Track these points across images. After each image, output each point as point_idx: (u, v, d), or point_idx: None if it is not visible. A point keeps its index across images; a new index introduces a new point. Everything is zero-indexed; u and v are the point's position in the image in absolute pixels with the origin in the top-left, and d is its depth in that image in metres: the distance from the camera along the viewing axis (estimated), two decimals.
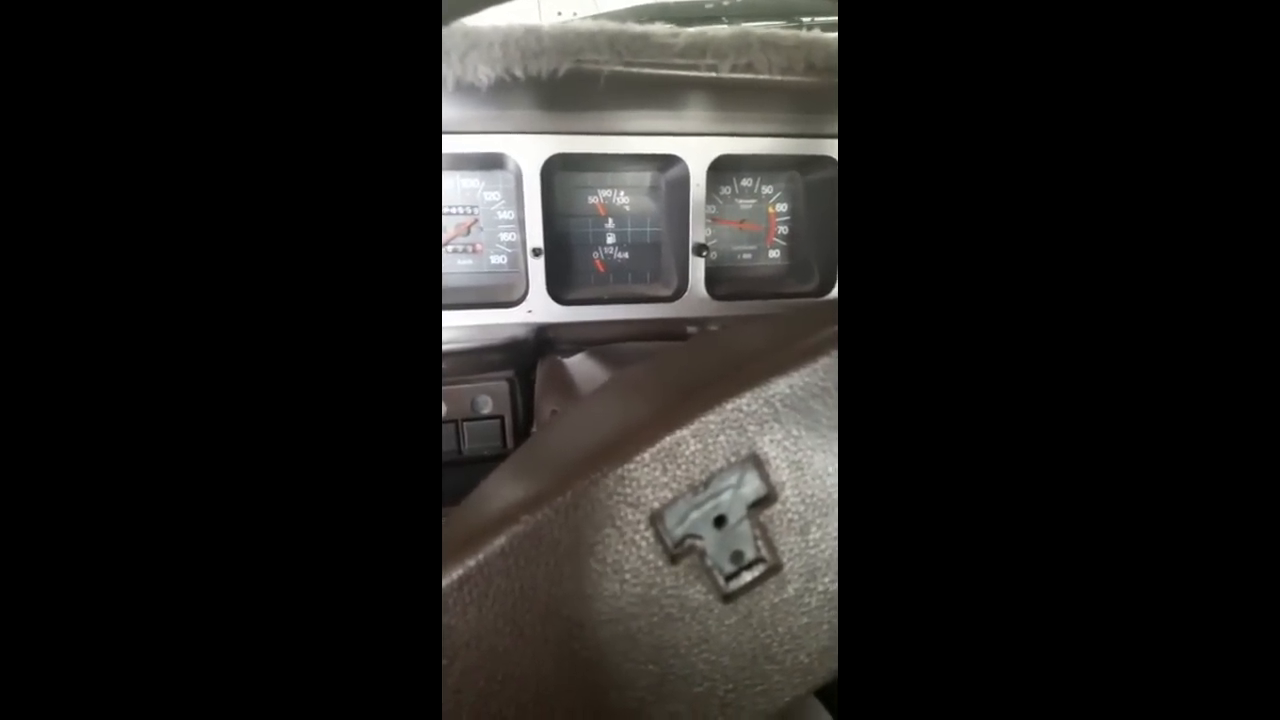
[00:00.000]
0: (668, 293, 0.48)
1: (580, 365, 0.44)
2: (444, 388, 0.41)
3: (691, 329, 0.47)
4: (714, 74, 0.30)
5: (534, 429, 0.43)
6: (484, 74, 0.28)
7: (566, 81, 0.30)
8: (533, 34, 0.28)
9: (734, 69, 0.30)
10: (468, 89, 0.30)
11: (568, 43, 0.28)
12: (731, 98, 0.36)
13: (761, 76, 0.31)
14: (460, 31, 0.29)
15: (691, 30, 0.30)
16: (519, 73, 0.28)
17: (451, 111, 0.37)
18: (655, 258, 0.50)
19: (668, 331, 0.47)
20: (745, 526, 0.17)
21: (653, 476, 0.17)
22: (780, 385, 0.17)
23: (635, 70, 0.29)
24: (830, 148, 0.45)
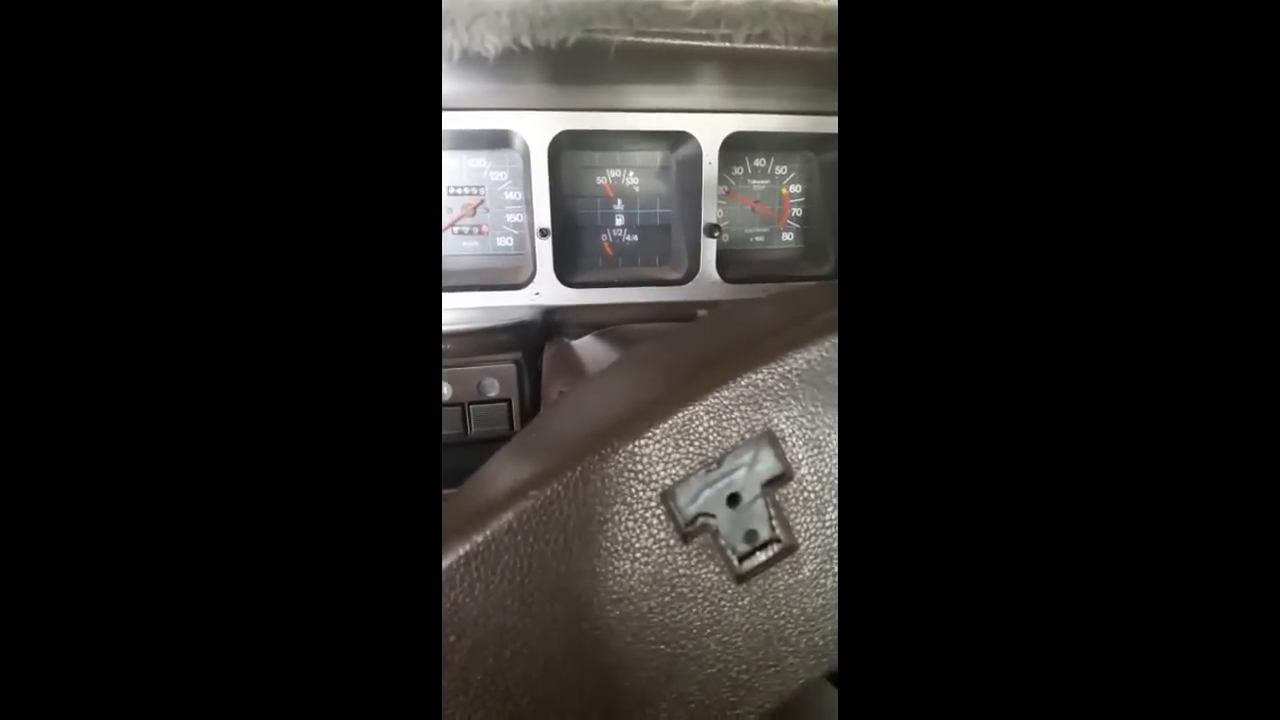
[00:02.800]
0: (678, 276, 0.47)
1: (588, 347, 0.43)
2: (450, 370, 0.41)
3: (702, 313, 0.47)
4: (728, 44, 0.29)
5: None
6: (491, 43, 0.27)
7: (576, 52, 0.29)
8: (541, 2, 0.27)
9: (749, 39, 0.29)
10: (474, 60, 0.29)
11: (577, 11, 0.27)
12: (745, 70, 0.35)
13: (777, 47, 0.30)
14: (466, 0, 0.28)
15: None
16: (527, 42, 0.27)
17: (457, 86, 0.36)
18: (665, 240, 0.50)
19: (678, 315, 0.46)
20: (760, 505, 0.16)
21: (664, 453, 0.17)
22: (798, 360, 0.17)
23: (647, 40, 0.28)
24: None
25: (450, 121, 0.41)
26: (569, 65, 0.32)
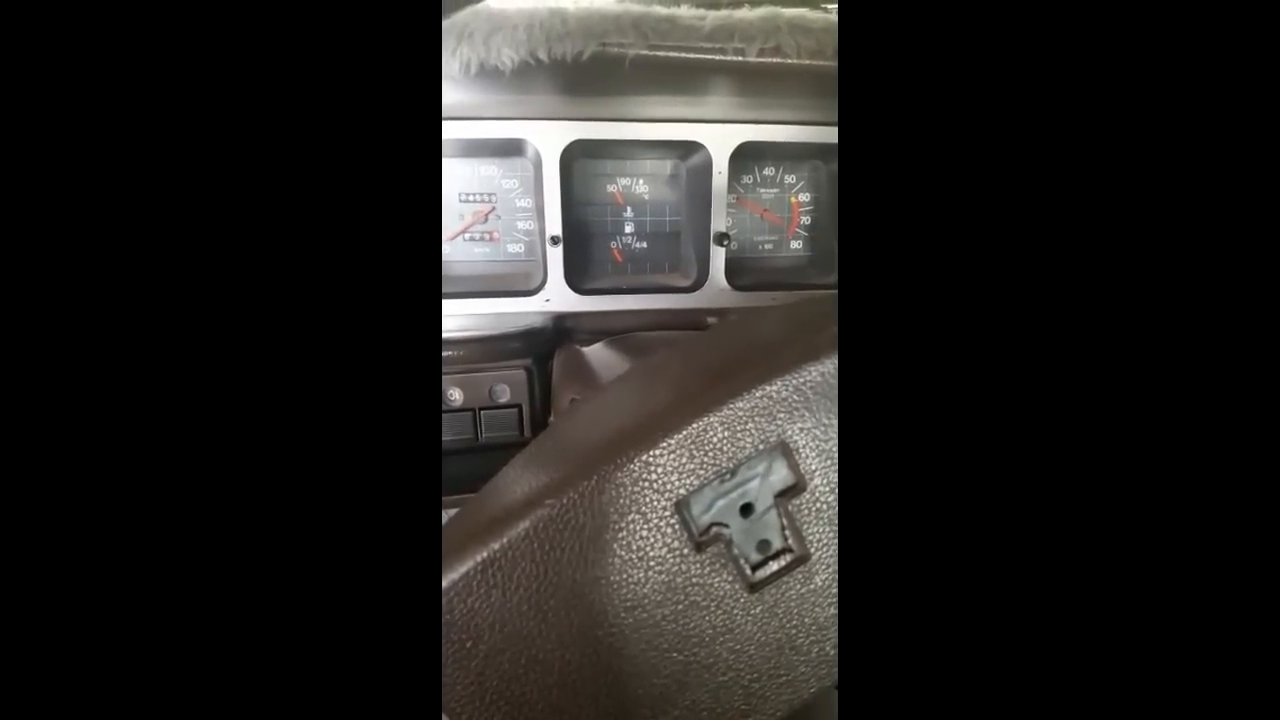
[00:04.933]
0: (687, 283, 0.47)
1: (599, 354, 0.44)
2: (461, 375, 0.41)
3: (712, 320, 0.47)
4: (741, 58, 0.29)
5: (551, 418, 0.42)
6: (508, 57, 0.28)
7: (590, 65, 0.30)
8: (557, 16, 0.28)
9: (761, 52, 0.29)
10: (491, 73, 0.29)
11: (592, 25, 0.28)
12: (757, 82, 0.35)
13: (789, 61, 0.30)
14: (484, 14, 0.29)
15: (719, 13, 0.29)
16: (543, 55, 0.28)
17: (471, 96, 0.36)
18: (674, 248, 0.50)
19: (687, 322, 0.46)
20: (772, 515, 0.17)
21: (679, 463, 0.17)
22: (811, 372, 0.17)
23: (661, 54, 0.29)
24: None
25: (463, 130, 0.41)
26: (583, 77, 0.33)
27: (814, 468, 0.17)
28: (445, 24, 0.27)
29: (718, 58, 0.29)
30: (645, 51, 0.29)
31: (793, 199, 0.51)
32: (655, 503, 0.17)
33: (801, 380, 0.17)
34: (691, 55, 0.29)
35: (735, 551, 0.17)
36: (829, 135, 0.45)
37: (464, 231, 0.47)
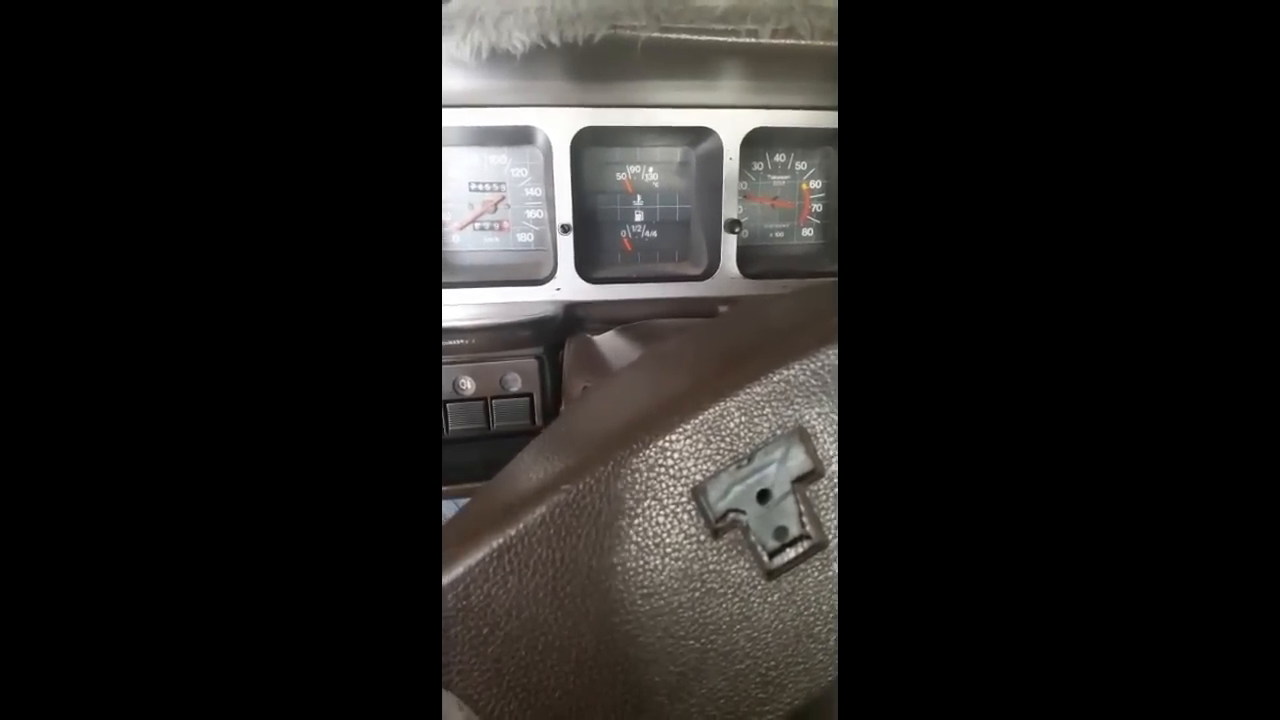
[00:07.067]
0: (698, 271, 0.47)
1: (610, 342, 0.44)
2: (473, 365, 0.42)
3: (723, 308, 0.47)
4: (754, 39, 0.29)
5: (563, 407, 0.42)
6: (519, 40, 0.27)
7: (601, 49, 0.29)
8: None
9: (775, 34, 0.29)
10: (501, 57, 0.29)
11: (604, 7, 0.27)
12: (769, 65, 0.34)
13: (803, 42, 0.29)
14: None
15: None
16: (554, 39, 0.28)
17: (481, 83, 0.36)
18: (684, 236, 0.49)
19: (699, 311, 0.46)
20: (790, 502, 0.16)
21: (695, 448, 0.17)
22: (830, 356, 0.17)
23: (673, 36, 0.28)
24: None
25: (473, 118, 0.41)
26: (594, 62, 0.32)
27: (831, 453, 0.17)
28: (455, 8, 0.27)
29: (730, 40, 0.29)
30: (657, 34, 0.28)
31: (804, 186, 0.51)
32: (671, 489, 0.17)
33: (819, 365, 0.17)
34: (704, 37, 0.29)
35: (752, 538, 0.16)
36: None
37: (474, 221, 0.47)
